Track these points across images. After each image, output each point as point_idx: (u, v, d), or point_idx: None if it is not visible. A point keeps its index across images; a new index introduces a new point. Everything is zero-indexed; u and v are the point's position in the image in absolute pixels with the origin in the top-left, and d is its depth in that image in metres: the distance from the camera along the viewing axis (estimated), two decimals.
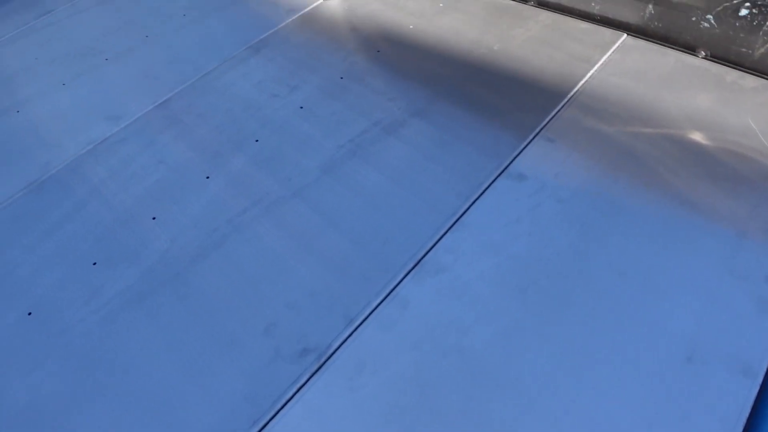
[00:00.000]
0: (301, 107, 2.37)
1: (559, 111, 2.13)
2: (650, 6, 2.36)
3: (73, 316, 1.81)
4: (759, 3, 2.08)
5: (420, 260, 1.73)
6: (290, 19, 2.90)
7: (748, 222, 1.68)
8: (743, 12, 2.13)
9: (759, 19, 2.11)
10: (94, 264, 1.96)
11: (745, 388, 1.36)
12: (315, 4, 2.98)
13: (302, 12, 2.94)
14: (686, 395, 1.37)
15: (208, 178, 2.15)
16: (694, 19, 2.26)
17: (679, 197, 1.78)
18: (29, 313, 1.85)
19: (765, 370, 1.39)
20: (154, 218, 2.05)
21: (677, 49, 2.32)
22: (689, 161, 1.87)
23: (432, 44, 2.57)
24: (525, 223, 1.77)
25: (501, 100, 2.23)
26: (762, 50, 2.14)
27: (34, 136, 2.52)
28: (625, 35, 2.44)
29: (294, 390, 1.53)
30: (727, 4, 2.16)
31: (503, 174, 1.93)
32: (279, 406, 1.50)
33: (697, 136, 1.95)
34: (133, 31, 3.07)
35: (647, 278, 1.59)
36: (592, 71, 2.28)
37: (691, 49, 2.31)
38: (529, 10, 2.68)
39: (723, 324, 1.47)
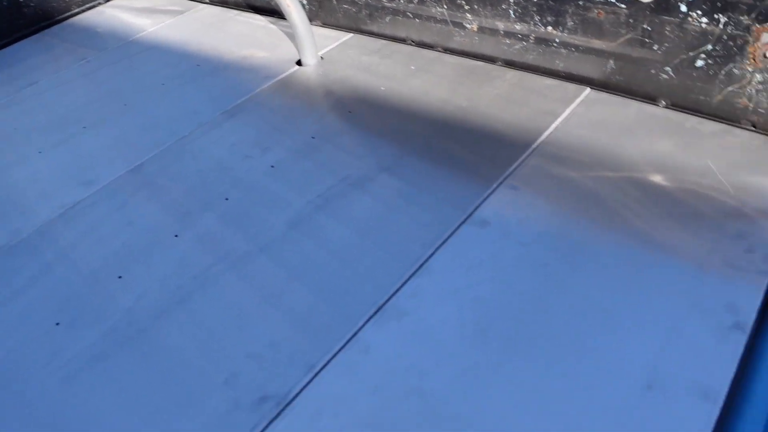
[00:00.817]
0: (272, 167, 2.39)
1: (523, 161, 2.15)
2: (611, 61, 2.42)
3: (32, 378, 1.77)
4: (714, 54, 2.14)
5: (382, 306, 1.71)
6: (266, 85, 2.97)
7: (709, 257, 1.67)
8: (699, 63, 2.19)
9: (714, 68, 2.16)
10: (57, 324, 1.93)
11: (705, 413, 1.32)
12: (290, 71, 3.06)
13: (278, 78, 3.01)
14: (648, 421, 1.33)
15: (176, 236, 2.15)
16: (653, 71, 2.32)
17: (641, 237, 1.78)
18: None
19: (725, 394, 1.36)
20: (120, 277, 2.04)
21: (639, 100, 2.37)
22: (651, 202, 1.88)
23: (403, 105, 2.62)
24: (487, 268, 1.76)
25: (468, 154, 2.25)
26: (719, 97, 2.18)
27: (7, 202, 2.53)
28: (589, 89, 2.50)
29: None
30: (684, 56, 2.22)
31: (467, 221, 1.94)
32: None
33: (658, 179, 1.97)
34: (112, 101, 3.13)
35: (608, 316, 1.57)
36: (556, 123, 2.32)
37: (652, 99, 2.36)
38: (497, 69, 2.75)
39: (683, 353, 1.45)
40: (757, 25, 2.03)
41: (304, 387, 1.56)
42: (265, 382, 1.60)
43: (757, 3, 1.99)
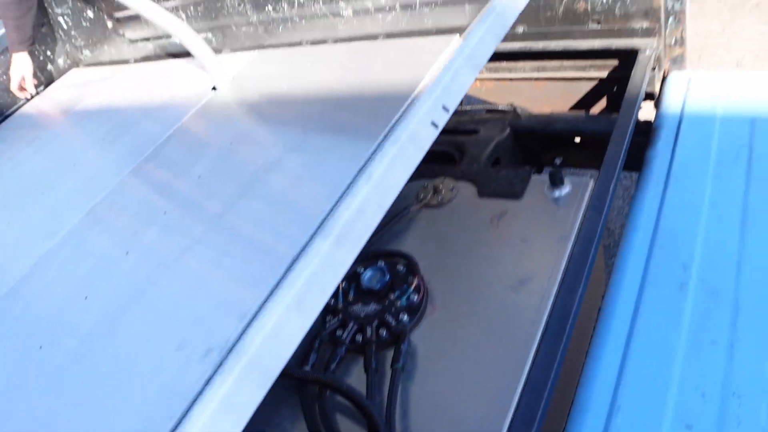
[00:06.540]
0: (199, 176, 2.70)
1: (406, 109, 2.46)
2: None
3: None
4: None
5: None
6: (188, 114, 3.28)
7: None
8: None
9: None
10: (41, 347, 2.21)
11: None
12: (207, 98, 3.38)
13: (197, 106, 3.33)
14: None
15: (127, 253, 2.45)
16: None
17: None
18: None
19: None
20: (86, 298, 2.33)
21: None
22: None
23: (303, 94, 2.95)
24: None
25: (357, 117, 2.57)
26: None
27: None
28: (458, 35, 2.81)
29: None
30: None
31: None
32: None
33: None
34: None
35: None
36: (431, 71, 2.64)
37: None
38: (378, 43, 3.07)
39: None
40: None
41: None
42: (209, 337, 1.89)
43: None
